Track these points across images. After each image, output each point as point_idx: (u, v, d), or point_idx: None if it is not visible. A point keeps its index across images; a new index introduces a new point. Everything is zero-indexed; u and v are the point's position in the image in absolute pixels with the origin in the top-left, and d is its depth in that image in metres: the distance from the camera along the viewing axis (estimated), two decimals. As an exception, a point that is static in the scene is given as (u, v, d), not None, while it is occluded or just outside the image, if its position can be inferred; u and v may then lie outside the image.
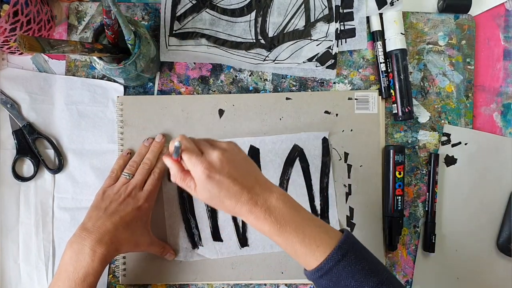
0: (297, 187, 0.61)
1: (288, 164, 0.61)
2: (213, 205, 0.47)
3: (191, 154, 0.44)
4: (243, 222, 0.61)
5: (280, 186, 0.61)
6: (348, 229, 0.61)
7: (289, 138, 0.61)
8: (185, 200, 0.61)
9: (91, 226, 0.52)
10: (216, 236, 0.61)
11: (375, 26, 0.63)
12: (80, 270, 0.49)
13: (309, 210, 0.61)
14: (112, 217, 0.53)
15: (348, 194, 0.62)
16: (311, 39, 0.63)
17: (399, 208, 0.60)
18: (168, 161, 0.46)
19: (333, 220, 0.61)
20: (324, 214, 0.61)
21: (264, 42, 0.63)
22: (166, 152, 0.46)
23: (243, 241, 0.61)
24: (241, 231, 0.61)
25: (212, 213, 0.61)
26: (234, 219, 0.61)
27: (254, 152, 0.61)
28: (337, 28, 0.63)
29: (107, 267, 0.62)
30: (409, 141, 0.64)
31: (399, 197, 0.60)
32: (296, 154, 0.61)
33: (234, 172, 0.45)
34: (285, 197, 0.46)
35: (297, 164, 0.61)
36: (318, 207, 0.61)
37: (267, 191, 0.46)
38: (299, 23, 0.64)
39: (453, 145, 0.63)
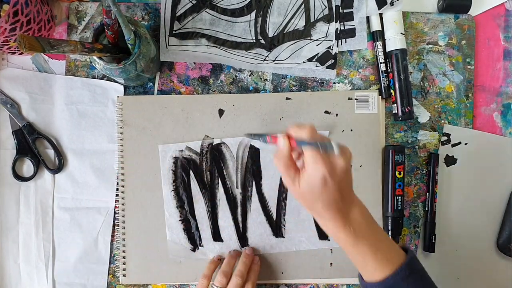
0: None
1: None
2: (303, 201, 0.47)
3: (318, 151, 0.44)
4: (243, 222, 0.61)
5: (280, 187, 0.61)
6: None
7: None
8: (184, 201, 0.61)
9: None
10: (217, 236, 0.61)
11: (375, 26, 0.63)
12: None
13: None
14: None
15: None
16: (311, 39, 0.63)
17: (399, 208, 0.60)
18: (283, 141, 0.46)
19: None
20: None
21: (264, 42, 0.63)
22: (285, 133, 0.47)
23: (243, 241, 0.61)
24: (241, 231, 0.61)
25: (212, 214, 0.61)
26: (235, 219, 0.61)
27: (254, 152, 0.61)
28: (337, 28, 0.63)
29: (107, 267, 0.62)
30: (409, 141, 0.64)
31: (399, 197, 0.60)
32: None
33: (342, 184, 0.45)
34: (366, 212, 0.48)
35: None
36: None
37: (352, 203, 0.47)
38: (299, 23, 0.64)
39: (453, 145, 0.63)
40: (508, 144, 0.64)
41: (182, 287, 0.63)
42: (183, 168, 0.61)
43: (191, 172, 0.61)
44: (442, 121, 0.64)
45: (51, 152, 0.63)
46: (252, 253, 0.60)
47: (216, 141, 0.62)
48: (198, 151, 0.61)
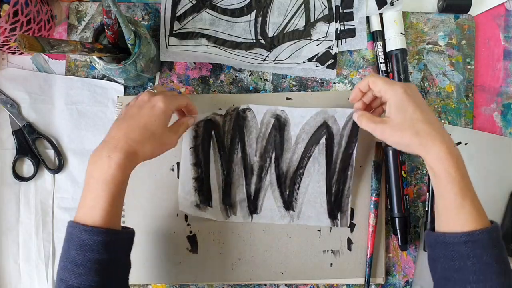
0: (316, 165, 0.61)
1: (313, 142, 0.61)
2: (400, 132, 0.47)
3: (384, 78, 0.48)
4: (255, 191, 0.61)
5: (300, 162, 0.61)
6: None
7: (319, 113, 0.60)
8: (201, 161, 0.61)
9: (107, 136, 0.50)
10: (227, 200, 0.61)
11: (375, 26, 0.63)
12: (99, 178, 0.47)
13: (324, 189, 0.61)
14: (125, 122, 0.51)
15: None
16: (311, 39, 0.63)
17: (407, 207, 0.60)
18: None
19: (345, 207, 0.61)
20: (338, 195, 0.61)
21: (264, 42, 0.63)
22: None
23: (253, 208, 0.61)
24: (252, 198, 0.61)
25: (227, 178, 0.61)
26: (248, 186, 0.61)
27: (280, 124, 0.61)
28: (337, 28, 0.63)
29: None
30: (409, 141, 0.64)
31: (406, 196, 0.60)
32: (324, 132, 0.60)
33: (423, 104, 0.48)
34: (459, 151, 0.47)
35: (322, 142, 0.61)
36: (333, 187, 0.61)
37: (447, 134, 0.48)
38: (299, 23, 0.64)
39: (453, 145, 0.63)
40: (508, 144, 0.64)
41: (182, 287, 0.63)
42: (205, 127, 0.61)
43: (213, 133, 0.61)
44: (442, 121, 0.64)
45: (51, 152, 0.63)
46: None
47: (242, 106, 0.61)
48: (223, 113, 0.61)
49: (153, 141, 0.51)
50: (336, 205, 0.61)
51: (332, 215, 0.61)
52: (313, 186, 0.61)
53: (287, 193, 0.61)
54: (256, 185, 0.61)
